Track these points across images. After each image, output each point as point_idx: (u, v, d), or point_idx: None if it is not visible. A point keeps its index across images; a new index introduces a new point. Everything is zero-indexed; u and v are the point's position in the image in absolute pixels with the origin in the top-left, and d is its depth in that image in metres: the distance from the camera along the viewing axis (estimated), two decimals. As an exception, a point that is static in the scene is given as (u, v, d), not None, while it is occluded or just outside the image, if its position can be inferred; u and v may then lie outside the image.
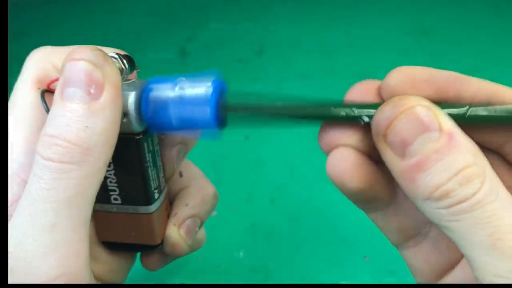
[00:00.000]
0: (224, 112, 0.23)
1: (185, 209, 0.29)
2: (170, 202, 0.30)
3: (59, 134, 0.20)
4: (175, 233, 0.29)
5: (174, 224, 0.29)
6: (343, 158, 0.22)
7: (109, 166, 0.25)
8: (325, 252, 0.41)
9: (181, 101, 0.23)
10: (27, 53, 0.25)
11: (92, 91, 0.21)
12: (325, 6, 0.70)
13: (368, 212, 0.25)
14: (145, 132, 0.25)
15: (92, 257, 0.28)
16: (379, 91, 0.23)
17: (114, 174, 0.26)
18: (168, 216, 0.29)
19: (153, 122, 0.24)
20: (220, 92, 0.23)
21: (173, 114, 0.23)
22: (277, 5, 0.71)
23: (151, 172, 0.26)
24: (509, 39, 0.61)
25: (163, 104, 0.23)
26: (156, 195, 0.27)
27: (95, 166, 0.21)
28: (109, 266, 0.30)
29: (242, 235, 0.42)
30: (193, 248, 0.32)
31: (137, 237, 0.28)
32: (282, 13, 0.70)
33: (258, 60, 0.62)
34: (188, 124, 0.23)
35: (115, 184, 0.26)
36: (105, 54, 0.22)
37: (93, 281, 0.23)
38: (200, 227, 0.31)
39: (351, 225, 0.42)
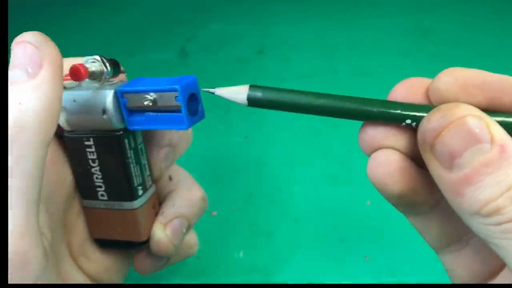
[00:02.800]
0: (199, 105, 0.26)
1: (172, 209, 0.30)
2: (160, 204, 0.31)
3: None
4: (160, 230, 0.29)
5: (161, 223, 0.29)
6: (386, 161, 0.21)
7: (94, 162, 0.27)
8: (325, 252, 0.41)
9: (155, 101, 0.25)
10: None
11: (29, 70, 0.21)
12: (326, 7, 0.70)
13: (408, 216, 0.23)
14: (126, 129, 0.26)
15: (85, 255, 0.29)
16: (427, 92, 0.21)
17: (100, 170, 0.27)
18: (156, 216, 0.30)
19: (130, 119, 0.26)
20: (190, 88, 0.25)
21: (147, 113, 0.26)
22: (277, 6, 0.71)
23: (134, 169, 0.28)
24: (509, 40, 0.61)
25: (139, 104, 0.25)
26: (140, 192, 0.28)
27: (29, 144, 0.20)
28: (103, 265, 0.30)
29: (242, 235, 0.42)
30: (184, 254, 0.32)
31: (124, 233, 0.29)
32: (282, 14, 0.70)
33: (259, 60, 0.62)
34: (163, 121, 0.26)
35: (101, 180, 0.28)
36: (46, 37, 0.22)
37: (49, 258, 0.23)
38: (188, 229, 0.31)
39: (352, 225, 0.42)
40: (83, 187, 0.28)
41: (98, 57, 0.26)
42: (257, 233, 0.42)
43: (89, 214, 0.29)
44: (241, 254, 0.41)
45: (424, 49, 0.60)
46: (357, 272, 0.39)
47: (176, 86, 0.24)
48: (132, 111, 0.26)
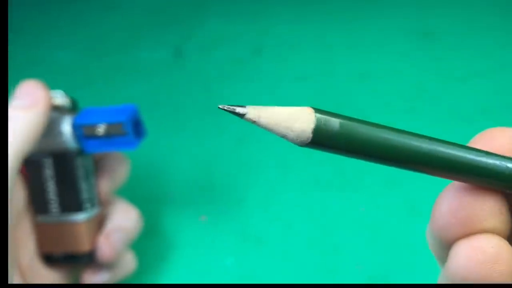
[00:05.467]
0: (142, 127, 0.33)
1: (113, 224, 0.34)
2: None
3: None
4: (105, 239, 0.33)
5: (105, 234, 0.34)
6: (496, 256, 0.14)
7: (51, 179, 0.32)
8: (317, 259, 0.39)
9: (106, 130, 0.31)
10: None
11: (26, 102, 0.29)
12: (325, 7, 0.69)
13: None
14: (80, 152, 0.32)
15: (33, 271, 0.33)
16: None
17: (55, 186, 0.32)
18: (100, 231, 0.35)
19: (85, 144, 0.32)
20: (134, 117, 0.32)
21: (99, 138, 0.31)
22: (275, 5, 0.70)
23: (83, 184, 0.33)
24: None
25: (92, 132, 0.31)
26: (88, 205, 0.33)
27: (13, 146, 0.28)
28: (49, 280, 0.34)
29: (232, 241, 0.41)
30: (124, 270, 0.36)
31: (71, 245, 0.33)
32: (281, 13, 0.69)
33: (256, 60, 0.61)
34: (113, 144, 0.32)
35: (55, 195, 0.33)
36: (42, 84, 0.31)
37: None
38: (127, 242, 0.35)
39: (344, 232, 0.41)
40: (38, 202, 0.33)
41: (62, 92, 0.32)
42: (248, 239, 0.41)
43: (40, 229, 0.33)
44: (230, 260, 0.40)
45: (426, 50, 0.59)
46: (348, 280, 0.38)
47: (123, 118, 0.31)
48: (86, 137, 0.32)
